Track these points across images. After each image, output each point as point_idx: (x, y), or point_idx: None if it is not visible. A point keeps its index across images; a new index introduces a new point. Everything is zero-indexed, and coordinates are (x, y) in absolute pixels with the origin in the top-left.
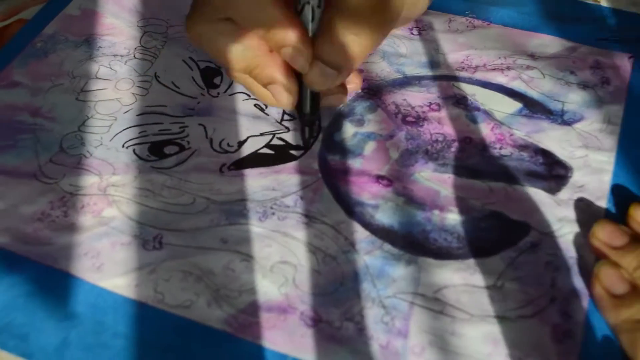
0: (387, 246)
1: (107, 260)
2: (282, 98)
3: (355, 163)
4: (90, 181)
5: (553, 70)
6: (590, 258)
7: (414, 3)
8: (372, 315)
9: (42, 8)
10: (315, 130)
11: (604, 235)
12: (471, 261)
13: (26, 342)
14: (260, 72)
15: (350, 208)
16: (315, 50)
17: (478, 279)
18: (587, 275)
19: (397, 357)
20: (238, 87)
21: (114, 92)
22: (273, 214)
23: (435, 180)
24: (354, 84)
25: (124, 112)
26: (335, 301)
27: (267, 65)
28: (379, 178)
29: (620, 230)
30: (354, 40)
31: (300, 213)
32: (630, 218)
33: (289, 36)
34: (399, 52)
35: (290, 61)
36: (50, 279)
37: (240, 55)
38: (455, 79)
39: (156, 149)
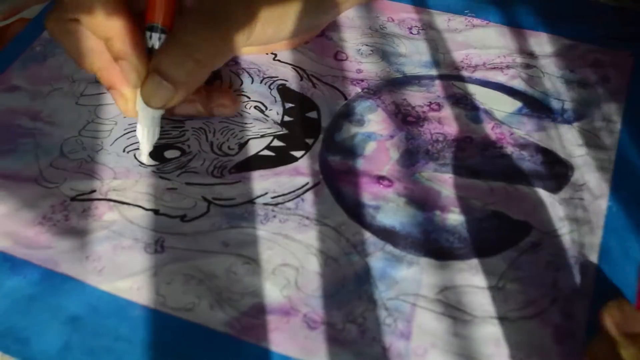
0: (389, 247)
1: (108, 264)
2: (120, 104)
3: (356, 163)
4: (91, 185)
5: (553, 69)
6: (593, 257)
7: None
8: (375, 317)
9: (41, 10)
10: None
11: (619, 316)
12: (473, 262)
13: (28, 346)
14: (102, 76)
15: (352, 209)
16: (153, 62)
17: (480, 280)
18: (589, 274)
19: (400, 358)
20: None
21: None
22: (274, 216)
23: (436, 181)
24: (229, 108)
25: (125, 117)
26: (338, 303)
27: (108, 70)
28: (379, 178)
29: (633, 316)
30: (189, 56)
31: (302, 215)
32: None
33: (124, 49)
34: (399, 52)
35: (123, 73)
36: (52, 283)
37: (85, 57)
38: (455, 78)
39: (157, 154)
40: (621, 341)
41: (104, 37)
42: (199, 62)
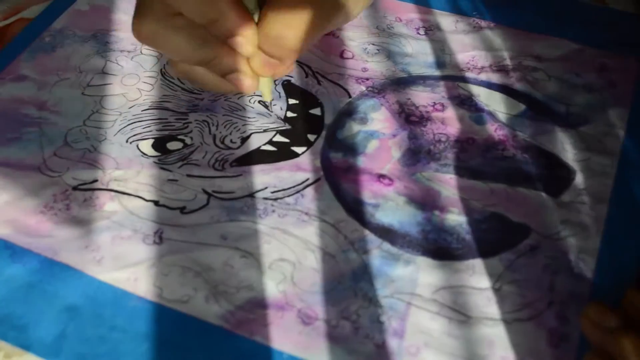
0: (386, 245)
1: (107, 254)
2: (245, 84)
3: (357, 161)
4: (93, 175)
5: (559, 72)
6: (591, 262)
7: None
8: (369, 314)
9: (50, 4)
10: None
11: (595, 315)
12: (470, 262)
13: (25, 333)
14: (219, 63)
15: (351, 206)
16: (259, 42)
17: (476, 281)
18: (586, 279)
19: (393, 356)
20: None
21: (119, 87)
22: (273, 211)
23: (436, 181)
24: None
25: (129, 107)
26: (333, 300)
27: (226, 56)
28: (380, 177)
29: (611, 312)
30: (286, 32)
31: (301, 211)
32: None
33: (238, 25)
34: (405, 52)
35: (240, 49)
36: (51, 271)
37: (197, 48)
38: (461, 79)
39: (159, 145)
40: (616, 334)
41: (213, 17)
42: (296, 38)
